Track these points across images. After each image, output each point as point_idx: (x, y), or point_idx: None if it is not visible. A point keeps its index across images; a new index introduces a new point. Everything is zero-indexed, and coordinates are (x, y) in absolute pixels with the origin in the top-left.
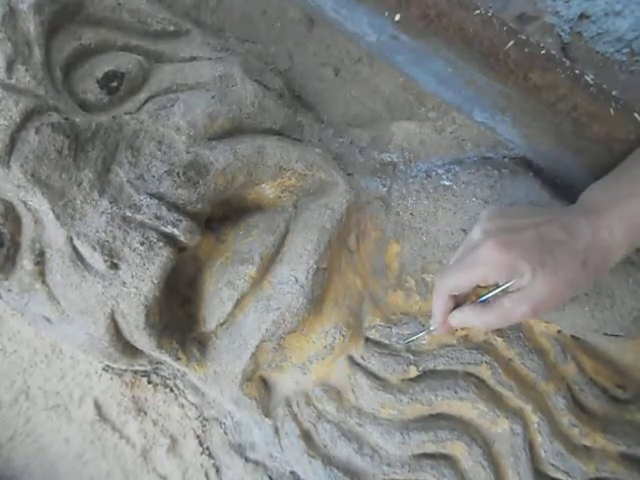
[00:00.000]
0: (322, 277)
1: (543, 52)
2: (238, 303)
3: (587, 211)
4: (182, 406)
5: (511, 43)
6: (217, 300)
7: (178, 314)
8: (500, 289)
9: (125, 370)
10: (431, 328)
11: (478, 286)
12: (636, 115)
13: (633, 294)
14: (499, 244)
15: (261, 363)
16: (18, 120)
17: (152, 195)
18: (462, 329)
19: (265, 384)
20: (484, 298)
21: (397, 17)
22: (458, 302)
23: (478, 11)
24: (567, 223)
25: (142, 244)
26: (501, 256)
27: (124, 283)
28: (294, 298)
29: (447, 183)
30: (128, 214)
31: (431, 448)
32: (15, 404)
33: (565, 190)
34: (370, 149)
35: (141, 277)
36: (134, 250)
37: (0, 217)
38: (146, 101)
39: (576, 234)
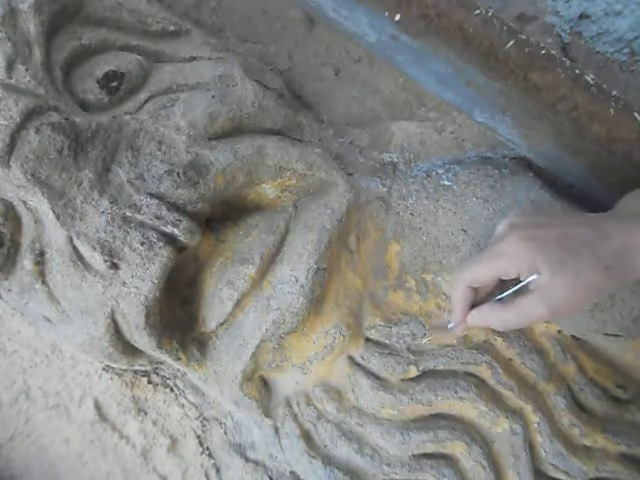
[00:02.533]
0: (322, 277)
1: (543, 52)
2: (238, 303)
3: (622, 216)
4: (182, 406)
5: (511, 43)
6: (217, 300)
7: (178, 314)
8: (517, 287)
9: (125, 370)
10: (450, 325)
11: (500, 281)
12: (636, 115)
13: (633, 294)
14: (523, 237)
15: (261, 363)
16: (18, 120)
17: (152, 195)
18: None
19: (265, 384)
20: (502, 296)
21: (397, 17)
22: (476, 303)
23: (478, 11)
24: (598, 225)
25: (142, 244)
26: (523, 249)
27: (124, 283)
28: (294, 298)
29: (447, 183)
30: (128, 214)
31: (431, 448)
32: (15, 404)
33: (565, 190)
34: (370, 149)
35: (141, 277)
36: (134, 250)
37: (0, 217)
38: (146, 101)
39: (605, 237)
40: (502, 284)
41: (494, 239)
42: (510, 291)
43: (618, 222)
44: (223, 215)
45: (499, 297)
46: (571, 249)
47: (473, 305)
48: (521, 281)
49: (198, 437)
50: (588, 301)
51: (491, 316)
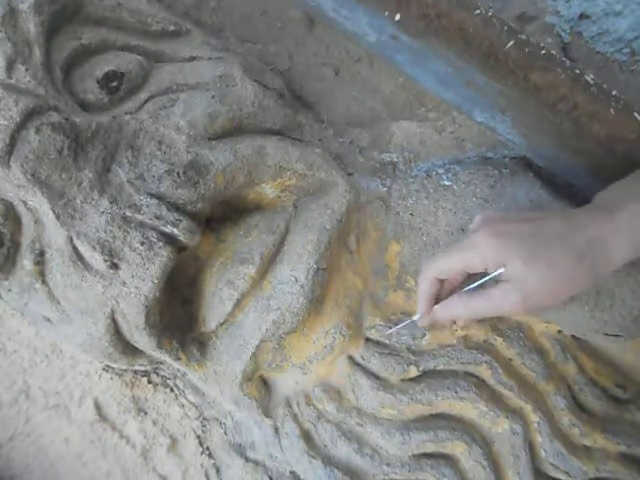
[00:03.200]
0: (322, 277)
1: (543, 52)
2: (238, 303)
3: (597, 208)
4: (182, 406)
5: (511, 43)
6: (217, 300)
7: (178, 314)
8: (487, 278)
9: (125, 370)
10: (415, 317)
11: (467, 276)
12: (636, 115)
13: (633, 294)
14: (493, 231)
15: (261, 363)
16: (18, 120)
17: (152, 195)
18: (462, 329)
19: (265, 384)
20: (470, 287)
21: (397, 17)
22: (442, 297)
23: (478, 11)
24: (571, 217)
25: (142, 244)
26: (493, 242)
27: (124, 283)
28: (294, 298)
29: (447, 183)
30: (128, 214)
31: (431, 448)
32: (15, 404)
33: (565, 190)
34: (370, 149)
35: (141, 277)
36: (134, 250)
37: (0, 217)
38: (146, 101)
39: (578, 228)
40: (470, 278)
41: (466, 234)
42: (478, 282)
43: (593, 214)
44: (223, 215)
45: (466, 289)
46: (543, 240)
47: (440, 300)
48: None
49: (198, 437)
50: (563, 292)
51: (458, 306)
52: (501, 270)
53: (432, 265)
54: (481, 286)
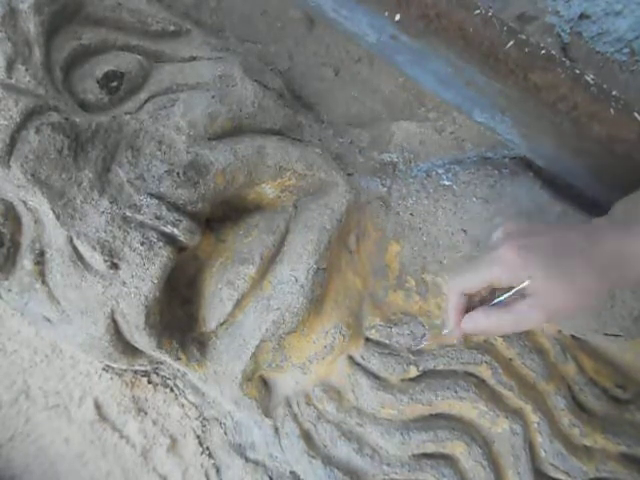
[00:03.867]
0: (322, 277)
1: (543, 52)
2: (238, 303)
3: (615, 221)
4: (182, 406)
5: (511, 43)
6: (217, 300)
7: (178, 314)
8: (512, 292)
9: (125, 370)
10: (445, 331)
11: (493, 289)
12: (636, 115)
13: (633, 294)
14: (517, 245)
15: (261, 363)
16: (18, 120)
17: (152, 195)
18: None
19: (265, 384)
20: (496, 301)
21: (397, 17)
22: (469, 309)
23: (478, 11)
24: (591, 231)
25: (142, 244)
26: (517, 258)
27: (124, 283)
28: (294, 298)
29: (447, 183)
30: (128, 214)
31: (431, 448)
32: (15, 404)
33: (565, 190)
34: (370, 149)
35: (141, 277)
36: (134, 250)
37: (0, 217)
38: (146, 101)
39: (599, 243)
40: (495, 290)
41: (489, 247)
42: (504, 296)
43: (611, 228)
44: (223, 215)
45: (493, 303)
46: (565, 255)
47: (467, 311)
48: (514, 288)
49: (198, 437)
50: (584, 305)
51: (486, 321)
52: (526, 284)
53: (458, 281)
54: (506, 298)
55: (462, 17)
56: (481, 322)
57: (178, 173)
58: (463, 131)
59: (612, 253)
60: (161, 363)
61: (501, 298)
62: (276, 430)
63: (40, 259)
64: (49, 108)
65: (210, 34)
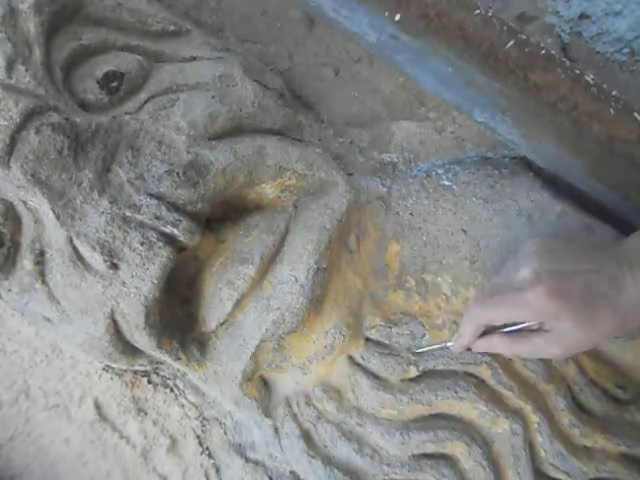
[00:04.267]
0: (322, 277)
1: (543, 52)
2: (238, 303)
3: (633, 263)
4: (182, 406)
5: (511, 43)
6: (217, 300)
7: (178, 314)
8: (528, 324)
9: (125, 370)
10: (449, 344)
11: None
12: (636, 115)
13: None
14: (549, 291)
15: (261, 363)
16: (18, 120)
17: (152, 195)
18: None
19: (265, 384)
20: (510, 330)
21: (397, 17)
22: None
23: (478, 11)
24: (614, 276)
25: (142, 244)
26: (548, 305)
27: (124, 283)
28: (294, 298)
29: (447, 183)
30: (128, 214)
31: (431, 448)
32: (15, 404)
33: (565, 190)
34: (370, 149)
35: (141, 277)
36: (134, 250)
37: (0, 217)
38: (146, 101)
39: (621, 290)
40: None
41: (515, 279)
42: (519, 327)
43: (631, 273)
44: (223, 215)
45: (509, 330)
46: (592, 303)
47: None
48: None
49: (198, 437)
50: (600, 341)
51: (502, 347)
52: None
53: (482, 313)
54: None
55: (462, 17)
56: (496, 347)
57: (178, 173)
58: (463, 131)
59: (634, 302)
60: (161, 363)
61: (514, 328)
62: (276, 430)
63: (40, 259)
64: (49, 108)
65: (210, 34)
